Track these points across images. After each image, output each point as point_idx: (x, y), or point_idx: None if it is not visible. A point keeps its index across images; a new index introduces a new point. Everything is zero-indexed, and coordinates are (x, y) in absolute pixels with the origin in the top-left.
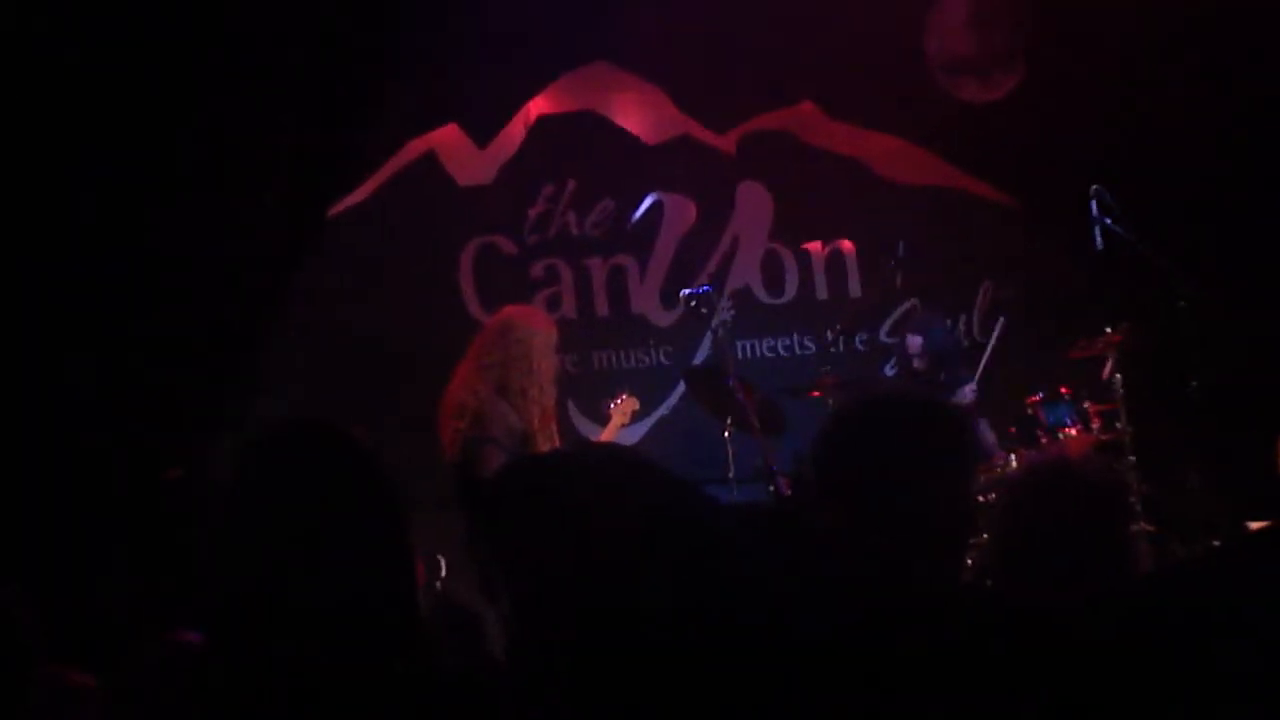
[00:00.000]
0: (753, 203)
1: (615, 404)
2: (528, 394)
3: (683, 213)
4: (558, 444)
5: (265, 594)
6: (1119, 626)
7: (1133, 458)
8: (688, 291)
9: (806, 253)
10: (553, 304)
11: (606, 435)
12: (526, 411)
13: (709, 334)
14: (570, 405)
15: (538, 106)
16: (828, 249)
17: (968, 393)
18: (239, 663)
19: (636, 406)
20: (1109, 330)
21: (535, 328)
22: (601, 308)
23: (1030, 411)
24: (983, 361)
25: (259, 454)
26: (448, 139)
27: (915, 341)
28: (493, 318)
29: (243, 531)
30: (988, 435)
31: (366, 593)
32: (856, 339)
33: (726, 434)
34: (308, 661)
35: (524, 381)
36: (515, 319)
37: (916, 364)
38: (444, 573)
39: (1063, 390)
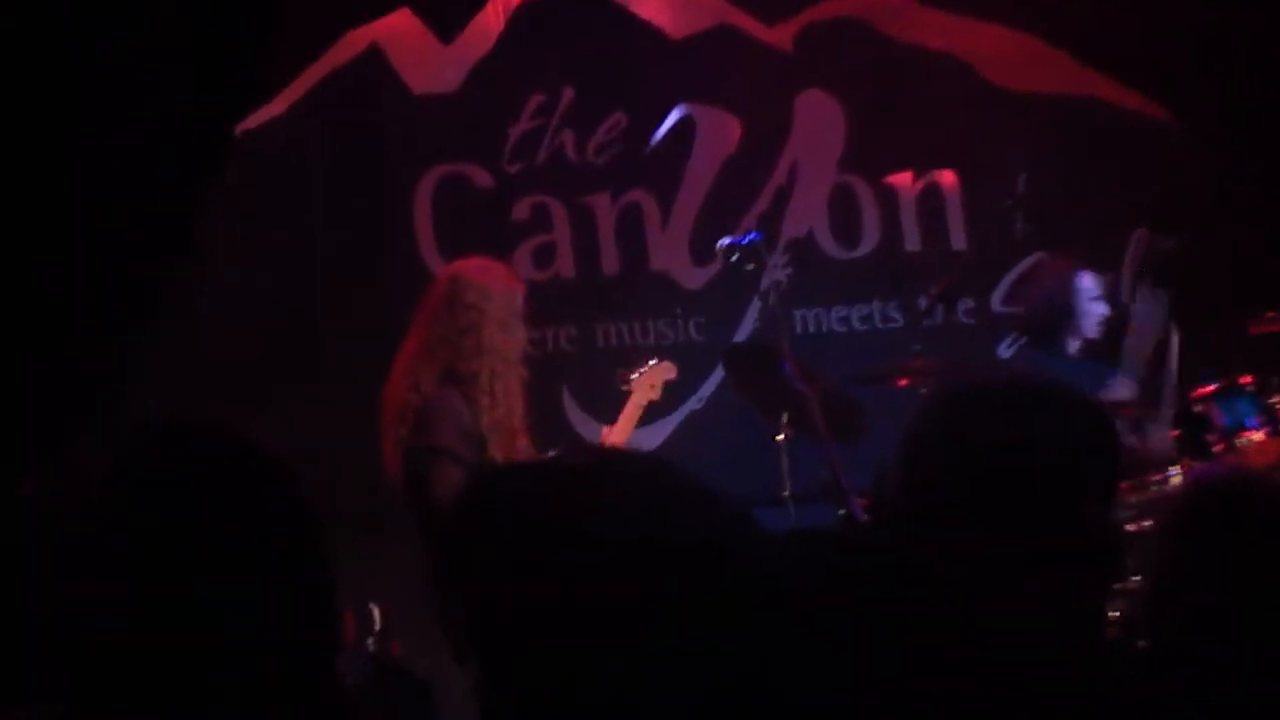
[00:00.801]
0: (817, 119)
1: (639, 373)
2: (478, 380)
3: (721, 132)
4: (525, 447)
5: (133, 650)
6: None
7: None
8: (728, 241)
9: (891, 188)
10: (541, 258)
11: (621, 426)
12: (478, 404)
13: (756, 300)
14: (565, 396)
15: None
16: (920, 183)
17: (1120, 388)
18: None
19: (672, 375)
20: None
21: (489, 287)
22: (609, 263)
23: (1199, 409)
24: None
25: (130, 464)
26: (399, 30)
27: (1092, 281)
28: (438, 276)
29: (106, 568)
30: (1159, 434)
31: (267, 650)
32: (959, 307)
33: (781, 436)
34: None
35: (474, 363)
36: (463, 276)
37: (1098, 315)
38: (378, 627)
39: (1244, 380)
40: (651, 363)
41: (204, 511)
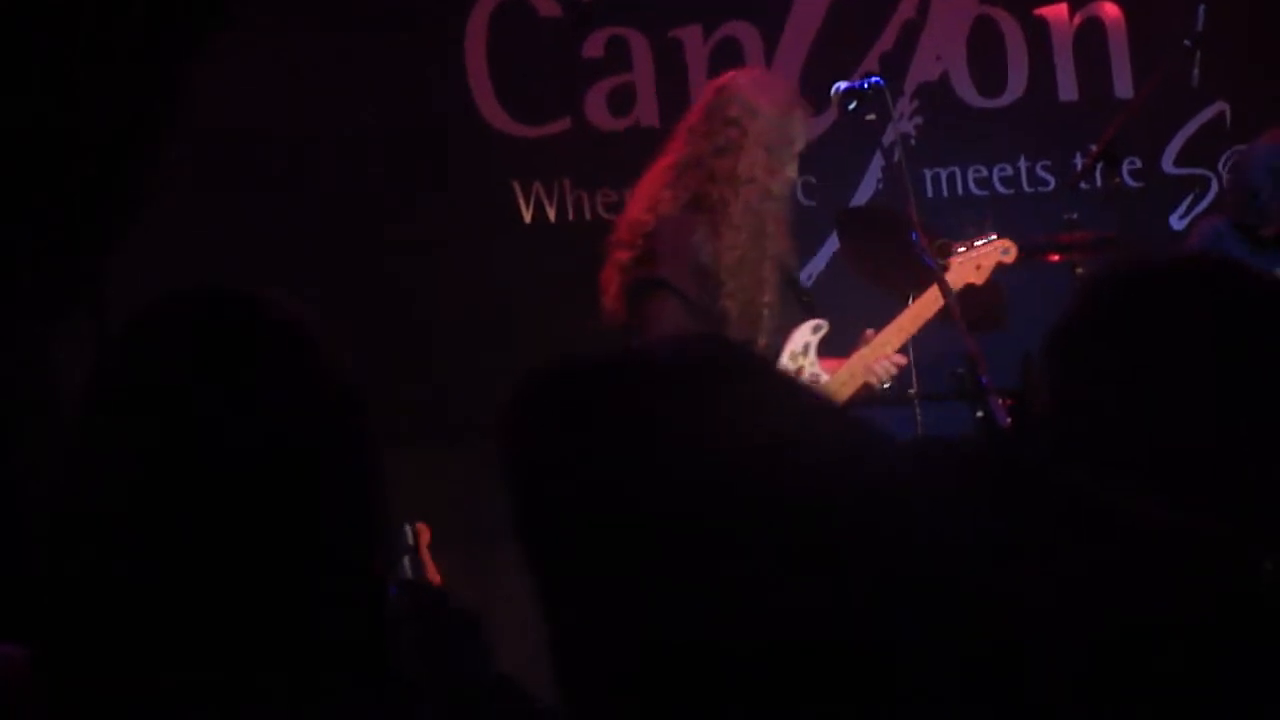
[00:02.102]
0: None
1: (964, 248)
2: (727, 210)
3: None
4: (770, 304)
5: (132, 572)
6: None
7: None
8: (845, 86)
9: (1043, 23)
10: (619, 103)
11: (915, 312)
12: (724, 239)
13: (879, 156)
14: None
15: None
16: (1079, 17)
17: None
18: (87, 676)
19: (1010, 258)
20: None
21: (758, 103)
22: None
23: None
24: None
25: (130, 344)
26: None
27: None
28: (707, 85)
29: (104, 469)
30: None
31: (298, 560)
32: (1123, 168)
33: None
34: (199, 670)
35: (725, 190)
36: (730, 88)
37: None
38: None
39: None
40: (988, 238)
41: (229, 394)
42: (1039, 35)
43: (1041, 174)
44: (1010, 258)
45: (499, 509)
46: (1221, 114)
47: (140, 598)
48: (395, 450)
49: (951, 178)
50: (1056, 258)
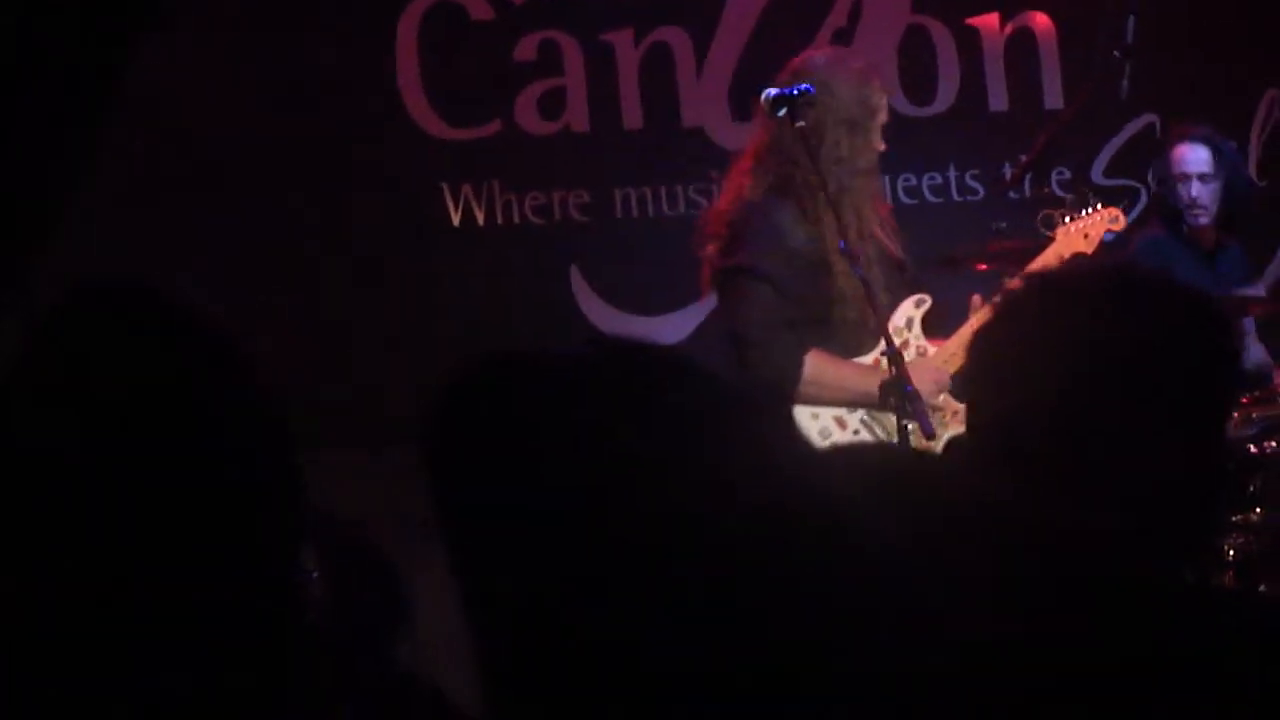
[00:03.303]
0: None
1: (1071, 218)
2: (816, 194)
3: None
4: (877, 278)
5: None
6: None
7: None
8: (774, 92)
9: (974, 32)
10: (549, 106)
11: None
12: (818, 223)
13: None
14: (574, 275)
15: None
16: (1010, 27)
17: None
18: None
19: (1119, 226)
20: None
21: (834, 80)
22: (632, 116)
23: None
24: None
25: (45, 338)
26: None
27: (1197, 155)
28: (784, 68)
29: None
30: (1256, 349)
31: (221, 558)
32: (1053, 177)
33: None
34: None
35: (811, 172)
36: (808, 67)
37: (1189, 197)
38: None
39: None
40: (1094, 207)
41: (142, 397)
42: (970, 44)
43: (971, 183)
44: (1119, 225)
45: (421, 513)
46: (1151, 125)
47: (55, 592)
48: (318, 451)
49: (884, 185)
50: (984, 267)
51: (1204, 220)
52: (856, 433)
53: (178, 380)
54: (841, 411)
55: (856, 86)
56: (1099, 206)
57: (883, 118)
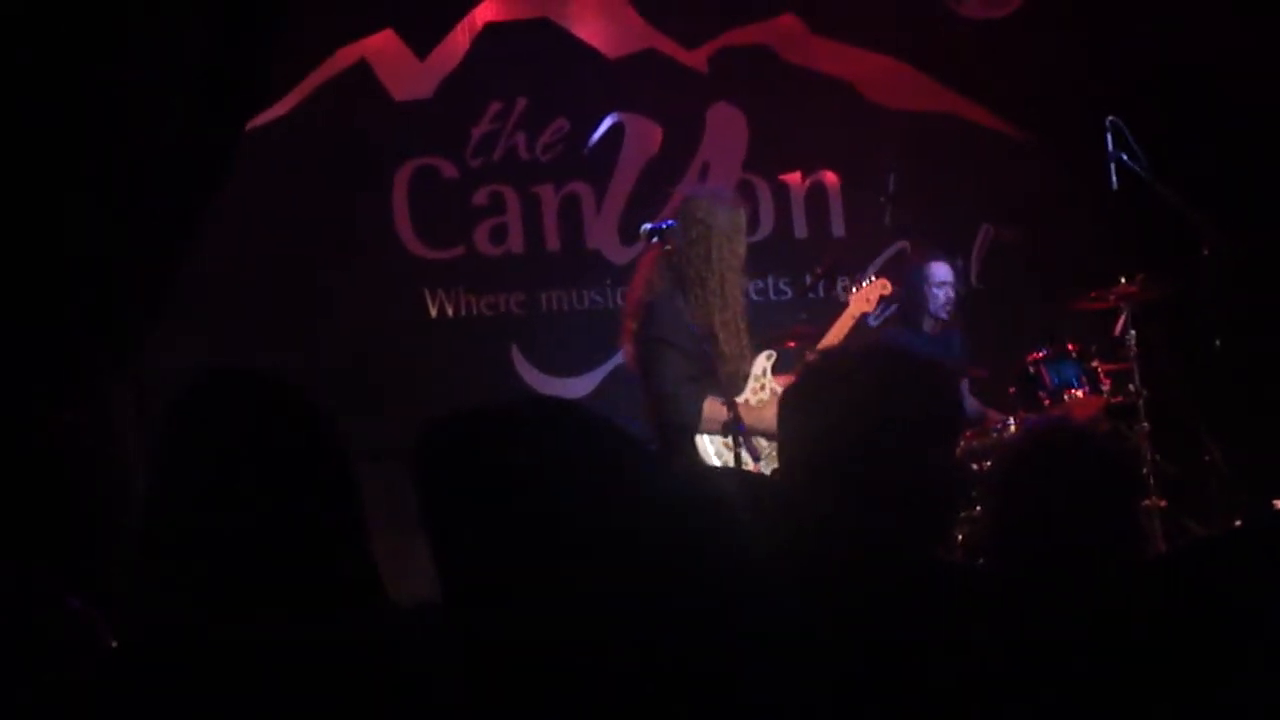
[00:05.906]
0: (725, 127)
1: (858, 288)
2: (707, 286)
3: (646, 137)
4: (746, 349)
5: (207, 561)
6: (1126, 614)
7: (1146, 425)
8: (649, 226)
9: (784, 185)
10: (496, 236)
11: (834, 334)
12: (705, 306)
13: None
14: (514, 351)
15: (485, 13)
16: (808, 181)
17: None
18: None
19: (888, 291)
20: (1123, 280)
21: (715, 206)
22: (552, 241)
23: (1032, 370)
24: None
25: (188, 410)
26: (382, 47)
27: (940, 270)
28: (674, 196)
29: (175, 500)
30: (970, 401)
31: (322, 552)
32: (839, 284)
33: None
34: (252, 627)
35: (702, 270)
36: (694, 198)
37: (942, 299)
38: None
39: (1069, 347)
40: (870, 279)
41: (263, 448)
42: (781, 193)
43: (783, 287)
44: (888, 290)
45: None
46: (904, 248)
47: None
48: None
49: None
50: (792, 344)
51: (947, 314)
52: (739, 451)
53: (304, 437)
54: (728, 438)
55: (729, 212)
56: (874, 278)
57: (745, 233)
